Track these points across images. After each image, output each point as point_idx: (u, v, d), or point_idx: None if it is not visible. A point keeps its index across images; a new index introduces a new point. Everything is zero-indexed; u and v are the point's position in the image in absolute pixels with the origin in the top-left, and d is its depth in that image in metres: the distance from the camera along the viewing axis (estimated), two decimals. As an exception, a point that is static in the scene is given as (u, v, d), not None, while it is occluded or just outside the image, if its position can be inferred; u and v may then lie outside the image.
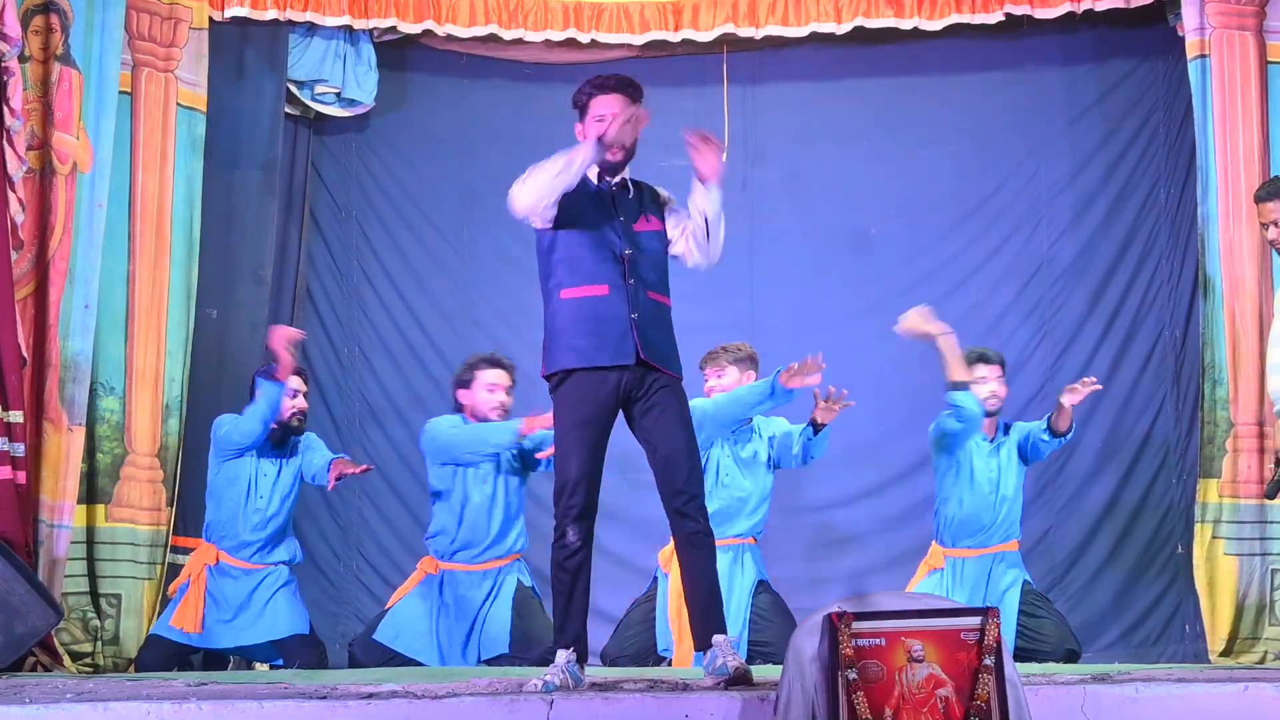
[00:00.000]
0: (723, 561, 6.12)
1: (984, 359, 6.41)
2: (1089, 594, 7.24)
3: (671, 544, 6.21)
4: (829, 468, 7.00)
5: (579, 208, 4.49)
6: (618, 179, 4.56)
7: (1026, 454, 6.42)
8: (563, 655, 4.34)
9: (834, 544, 7.43)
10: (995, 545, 6.31)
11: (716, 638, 4.33)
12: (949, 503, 6.35)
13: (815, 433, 6.22)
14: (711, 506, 6.03)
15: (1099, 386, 6.38)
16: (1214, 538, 6.40)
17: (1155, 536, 7.22)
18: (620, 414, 4.50)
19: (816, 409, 6.16)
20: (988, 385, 6.36)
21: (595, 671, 5.77)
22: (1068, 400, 6.26)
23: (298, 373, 6.35)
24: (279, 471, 6.32)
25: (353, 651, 6.36)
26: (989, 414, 6.37)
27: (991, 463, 6.35)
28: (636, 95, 4.51)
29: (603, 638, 6.41)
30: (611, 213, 4.51)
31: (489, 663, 6.14)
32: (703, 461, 6.05)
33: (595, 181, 4.56)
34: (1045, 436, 6.32)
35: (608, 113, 4.47)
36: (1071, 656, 6.07)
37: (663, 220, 4.60)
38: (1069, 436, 6.40)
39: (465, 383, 6.36)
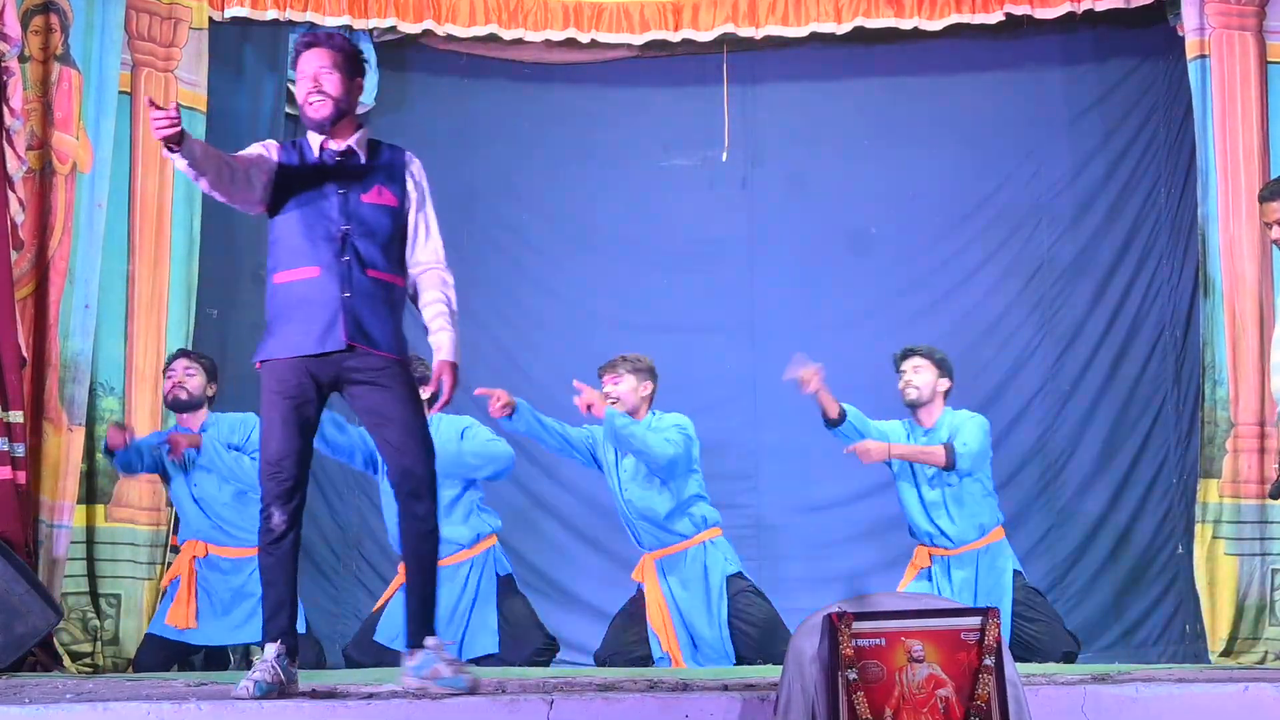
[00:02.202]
0: (685, 563, 6.19)
1: (909, 353, 6.42)
2: (1089, 594, 7.24)
3: (644, 557, 6.28)
4: (829, 467, 7.00)
5: (296, 184, 4.19)
6: (343, 146, 4.22)
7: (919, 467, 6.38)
8: (271, 649, 4.07)
9: (834, 544, 7.42)
10: (979, 539, 6.27)
11: (431, 640, 4.13)
12: (903, 504, 6.39)
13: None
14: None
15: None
16: (1214, 538, 6.40)
17: (1155, 536, 7.22)
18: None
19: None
20: (903, 378, 6.38)
21: (595, 672, 5.78)
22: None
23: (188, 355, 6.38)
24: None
25: (348, 654, 6.35)
26: (908, 404, 6.39)
27: (903, 486, 6.37)
28: (318, 43, 4.21)
29: (599, 637, 6.41)
30: (330, 184, 4.19)
31: (476, 662, 6.12)
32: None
33: (315, 153, 4.24)
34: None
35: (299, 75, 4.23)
36: (1069, 658, 6.06)
37: (403, 193, 4.25)
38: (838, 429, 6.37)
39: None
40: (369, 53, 7.39)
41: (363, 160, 4.24)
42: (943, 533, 6.27)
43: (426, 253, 4.28)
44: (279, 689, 3.97)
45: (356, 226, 4.16)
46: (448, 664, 4.07)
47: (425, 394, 4.29)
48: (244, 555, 6.21)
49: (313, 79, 4.18)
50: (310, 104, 4.19)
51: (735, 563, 6.30)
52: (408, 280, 4.29)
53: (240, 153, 4.32)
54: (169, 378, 6.36)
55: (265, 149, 4.30)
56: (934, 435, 6.34)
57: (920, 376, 6.37)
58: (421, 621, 4.16)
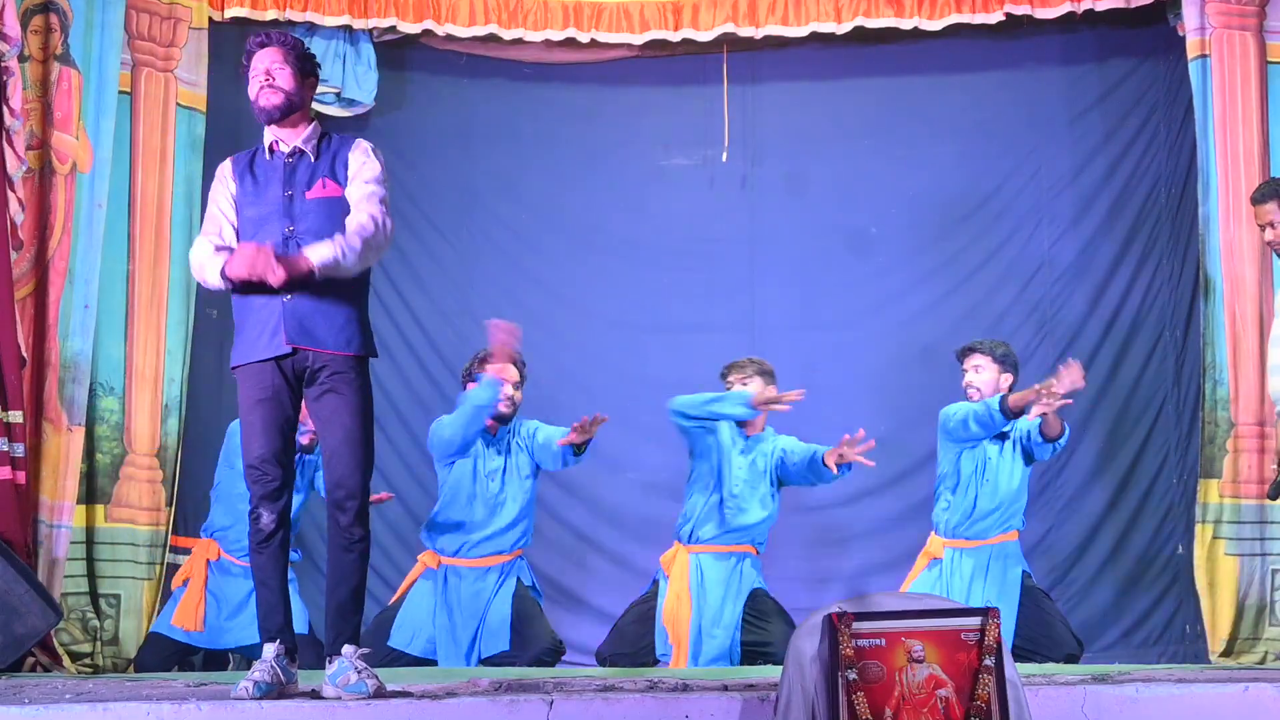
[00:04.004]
0: (723, 567, 6.19)
1: (972, 349, 6.38)
2: (1089, 594, 7.24)
3: (674, 548, 6.29)
4: (829, 467, 7.00)
5: (250, 191, 4.23)
6: (290, 147, 4.24)
7: (1031, 452, 6.34)
8: (270, 649, 4.10)
9: (834, 544, 7.42)
10: (995, 537, 6.27)
11: (347, 648, 4.10)
12: (950, 492, 6.33)
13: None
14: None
15: (1068, 402, 6.12)
16: (1214, 538, 6.40)
17: (1155, 536, 7.22)
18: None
19: (841, 448, 6.14)
20: (965, 377, 6.35)
21: (595, 672, 5.78)
22: (1039, 412, 6.10)
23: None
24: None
25: None
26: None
27: (992, 451, 6.32)
28: (271, 43, 4.26)
29: (602, 637, 6.41)
30: (278, 188, 4.21)
31: (488, 661, 6.14)
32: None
33: (268, 154, 4.28)
34: (1038, 439, 6.23)
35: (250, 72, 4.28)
36: (1070, 659, 6.06)
37: (345, 179, 4.23)
38: (1063, 441, 6.28)
39: (473, 377, 6.35)
40: (369, 53, 7.41)
41: (312, 159, 4.26)
42: (981, 521, 6.24)
43: (351, 220, 4.17)
44: (278, 689, 3.99)
45: (301, 225, 4.16)
46: (356, 671, 4.03)
47: None
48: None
49: (265, 73, 4.23)
50: (261, 94, 4.23)
51: (760, 580, 6.31)
52: (366, 273, 4.24)
53: (211, 220, 4.31)
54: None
55: (221, 181, 4.31)
56: (1008, 434, 6.33)
57: (981, 376, 6.32)
58: (338, 631, 4.16)
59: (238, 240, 4.23)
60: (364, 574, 4.20)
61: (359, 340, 4.21)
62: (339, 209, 4.19)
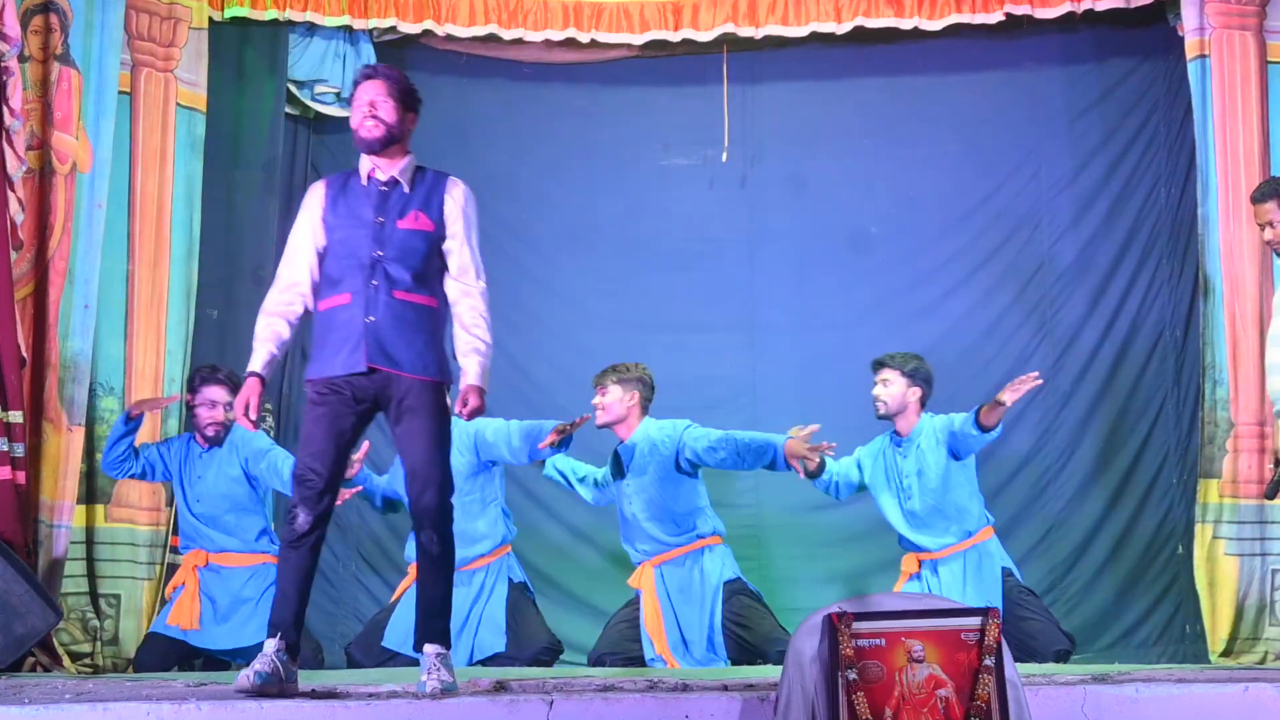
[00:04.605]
0: (681, 571, 6.20)
1: (879, 365, 6.41)
2: (1089, 594, 7.24)
3: (643, 564, 6.31)
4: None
5: (341, 214, 4.40)
6: (387, 176, 4.41)
7: (957, 449, 6.28)
8: (271, 643, 4.17)
9: (834, 544, 7.42)
10: (960, 542, 6.26)
11: (428, 647, 4.28)
12: (882, 510, 6.41)
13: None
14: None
15: (1039, 381, 6.20)
16: (1214, 538, 6.40)
17: (1155, 536, 7.22)
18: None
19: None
20: (874, 389, 6.38)
21: (595, 672, 5.78)
22: (1008, 397, 6.09)
23: (223, 382, 6.29)
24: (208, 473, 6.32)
25: (350, 653, 6.36)
26: (880, 417, 6.39)
27: (904, 466, 6.34)
28: (377, 75, 4.43)
29: (597, 636, 6.42)
30: (370, 214, 4.37)
31: (484, 663, 6.14)
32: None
33: (364, 180, 4.44)
34: (972, 431, 6.16)
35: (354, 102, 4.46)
36: (1061, 656, 6.05)
37: (440, 218, 4.41)
38: (996, 433, 6.23)
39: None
40: (369, 53, 7.41)
41: (406, 190, 4.40)
42: (921, 545, 6.28)
43: (456, 284, 4.40)
44: (278, 682, 4.05)
45: (390, 252, 4.32)
46: (427, 671, 4.19)
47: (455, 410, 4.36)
48: (242, 564, 6.26)
49: (369, 104, 4.38)
50: (364, 126, 4.38)
51: (733, 569, 6.30)
52: (443, 302, 4.41)
53: (289, 258, 4.47)
54: (209, 408, 6.27)
55: (313, 201, 4.47)
56: (909, 445, 6.34)
57: (888, 390, 6.37)
58: (422, 631, 4.34)
59: (320, 265, 4.38)
60: (447, 582, 4.37)
61: (435, 366, 4.34)
62: (425, 241, 4.36)
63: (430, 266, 4.37)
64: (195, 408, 6.26)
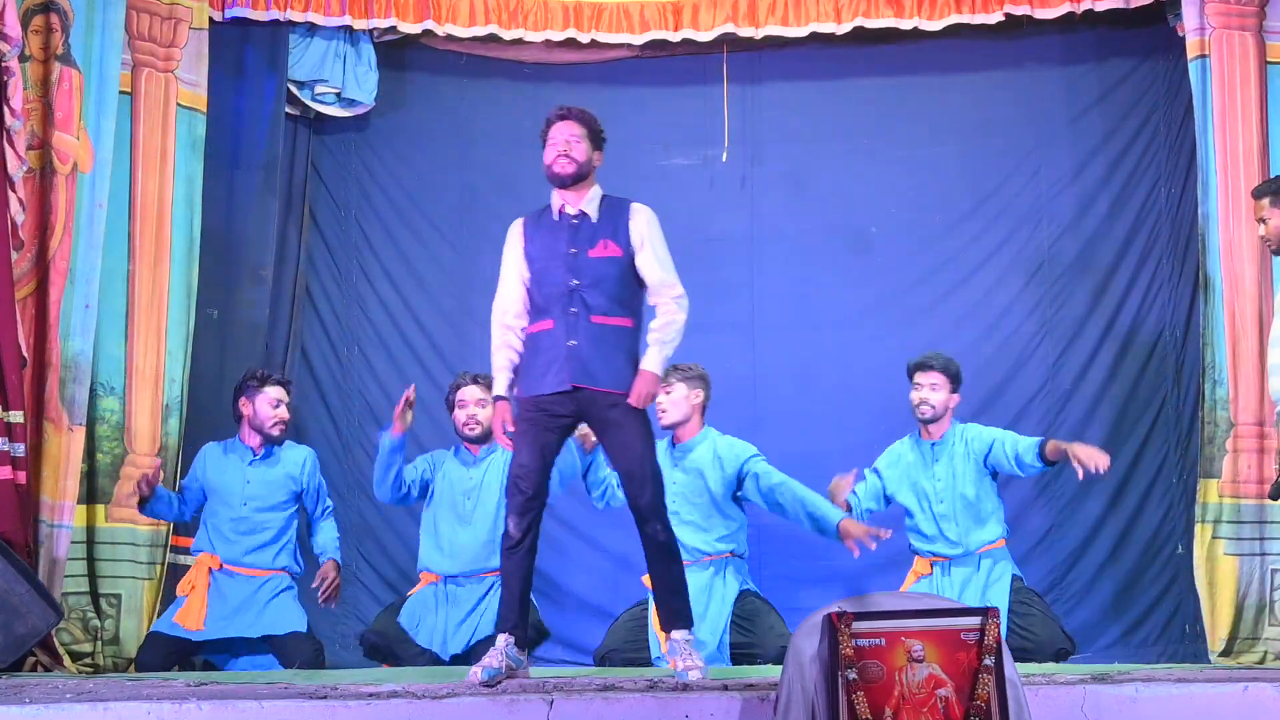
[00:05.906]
0: (703, 576, 6.16)
1: (920, 366, 6.35)
2: (1089, 594, 7.24)
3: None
4: (829, 467, 6.98)
5: (538, 246, 4.87)
6: (577, 210, 4.86)
7: (1001, 464, 6.26)
8: (502, 640, 4.70)
9: (834, 544, 7.41)
10: (978, 548, 6.26)
11: (676, 632, 4.74)
12: (908, 516, 6.38)
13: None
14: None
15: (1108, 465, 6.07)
16: (1214, 538, 6.40)
17: (1155, 536, 7.22)
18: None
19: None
20: (918, 393, 6.32)
21: (595, 672, 5.78)
22: (1080, 454, 5.94)
23: (281, 383, 6.40)
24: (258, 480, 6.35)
25: (367, 636, 6.34)
26: (921, 421, 6.34)
27: (935, 469, 6.33)
28: (570, 116, 4.94)
29: (598, 636, 6.41)
30: (564, 246, 4.83)
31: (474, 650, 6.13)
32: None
33: (555, 215, 4.90)
34: (1036, 463, 6.15)
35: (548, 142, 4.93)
36: (1061, 655, 6.05)
37: (627, 243, 4.85)
38: (1052, 468, 6.29)
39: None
40: (369, 53, 7.42)
41: (594, 220, 4.88)
42: (948, 540, 6.26)
43: (654, 291, 4.89)
44: (505, 674, 4.58)
45: (585, 281, 4.80)
46: (681, 658, 4.65)
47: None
48: (255, 575, 6.29)
49: (564, 143, 4.90)
50: (558, 163, 4.89)
51: (748, 580, 6.28)
52: (639, 320, 4.89)
53: (503, 290, 4.97)
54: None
55: (515, 239, 4.94)
56: (941, 448, 6.33)
57: (937, 395, 6.32)
58: (665, 616, 4.83)
59: (529, 296, 4.88)
60: (677, 567, 4.86)
61: (634, 379, 4.78)
62: (616, 267, 4.83)
63: (624, 289, 4.84)
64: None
